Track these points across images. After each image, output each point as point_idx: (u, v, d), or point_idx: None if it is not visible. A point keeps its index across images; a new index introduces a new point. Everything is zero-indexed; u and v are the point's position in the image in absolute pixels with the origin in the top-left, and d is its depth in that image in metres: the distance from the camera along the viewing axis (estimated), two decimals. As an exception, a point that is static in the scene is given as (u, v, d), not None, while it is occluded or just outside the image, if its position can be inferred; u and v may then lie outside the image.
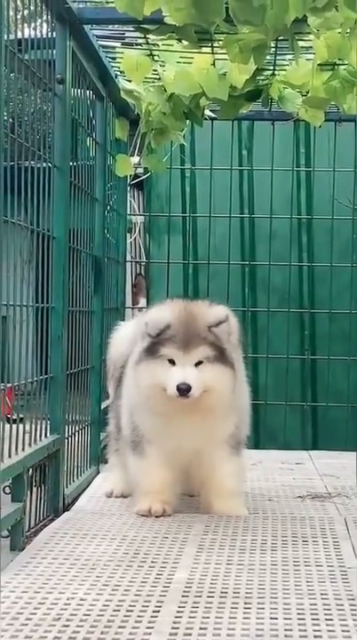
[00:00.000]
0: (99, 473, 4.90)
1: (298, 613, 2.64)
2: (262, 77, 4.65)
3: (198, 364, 3.74)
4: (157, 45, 4.38)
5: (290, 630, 2.51)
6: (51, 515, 4.07)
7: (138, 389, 3.86)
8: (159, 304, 4.00)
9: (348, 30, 3.58)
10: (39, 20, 3.98)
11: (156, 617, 2.59)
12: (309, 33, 3.82)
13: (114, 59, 4.86)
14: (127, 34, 4.65)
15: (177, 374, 3.70)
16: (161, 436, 3.86)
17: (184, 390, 3.66)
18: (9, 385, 3.58)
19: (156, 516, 3.80)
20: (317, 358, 7.05)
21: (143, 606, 2.68)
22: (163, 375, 3.73)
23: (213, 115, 5.20)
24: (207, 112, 5.04)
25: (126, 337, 4.29)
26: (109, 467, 4.50)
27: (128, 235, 6.52)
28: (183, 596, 2.78)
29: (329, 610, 2.68)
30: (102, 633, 2.46)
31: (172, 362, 3.74)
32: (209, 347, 3.74)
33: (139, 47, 4.48)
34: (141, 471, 3.90)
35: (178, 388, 3.66)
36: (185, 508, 3.98)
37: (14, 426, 3.64)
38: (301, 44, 3.96)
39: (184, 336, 3.74)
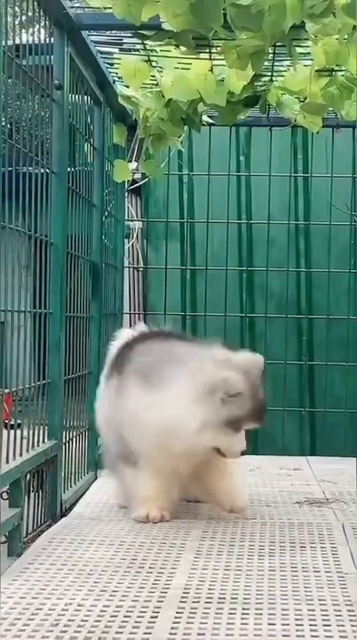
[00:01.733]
0: (96, 478, 4.90)
1: (296, 619, 2.64)
2: (260, 83, 4.66)
3: None
4: (155, 51, 4.39)
5: (288, 636, 2.50)
6: (49, 520, 4.07)
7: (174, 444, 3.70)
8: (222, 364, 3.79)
9: (346, 36, 3.59)
10: (37, 26, 3.98)
11: (154, 622, 2.59)
12: (307, 39, 3.83)
13: (111, 64, 4.86)
14: (125, 39, 4.65)
15: (242, 440, 3.76)
16: (157, 463, 3.85)
17: (243, 453, 3.79)
18: (6, 390, 3.58)
19: (154, 522, 3.79)
20: (315, 364, 7.06)
21: (141, 612, 2.68)
22: (226, 439, 3.72)
23: (211, 120, 5.20)
24: (205, 118, 5.05)
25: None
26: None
27: (126, 240, 6.52)
28: (181, 602, 2.78)
29: (327, 615, 2.68)
30: (100, 639, 2.45)
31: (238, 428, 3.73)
32: None
33: (137, 53, 4.49)
34: (137, 479, 3.88)
35: (242, 452, 3.77)
36: (182, 513, 3.98)
37: (12, 431, 3.64)
38: (299, 50, 3.97)
39: (259, 406, 3.75)
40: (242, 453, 3.79)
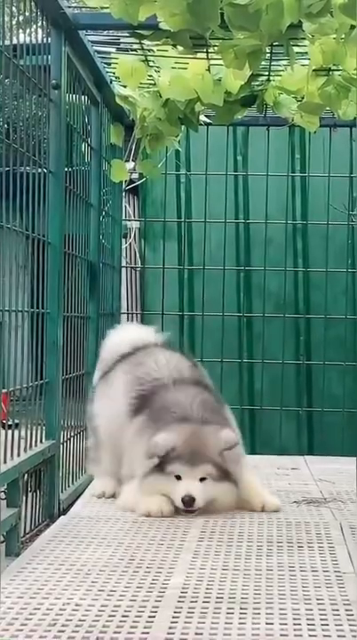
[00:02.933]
0: (94, 478, 4.89)
1: (294, 618, 2.64)
2: (257, 83, 4.66)
3: (202, 479, 3.94)
4: (152, 51, 4.39)
5: (286, 636, 2.50)
6: (47, 520, 4.07)
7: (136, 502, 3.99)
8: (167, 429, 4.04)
9: (343, 36, 3.58)
10: (34, 26, 3.98)
11: (152, 622, 2.58)
12: (304, 38, 3.84)
13: (109, 64, 4.86)
14: (122, 39, 4.65)
15: (182, 487, 3.90)
16: None
17: (188, 503, 3.87)
18: (4, 390, 3.58)
19: (164, 516, 3.88)
20: (312, 364, 7.06)
21: (138, 611, 2.67)
22: (170, 488, 3.92)
23: (208, 120, 5.20)
24: (202, 117, 5.05)
25: (123, 342, 4.40)
26: (95, 475, 4.53)
27: (123, 240, 6.52)
28: (178, 602, 2.77)
29: (325, 615, 2.67)
30: (98, 638, 2.45)
31: (179, 477, 3.93)
32: (213, 466, 3.94)
33: (134, 53, 4.49)
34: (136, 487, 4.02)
35: (183, 500, 3.87)
36: (179, 513, 3.97)
37: (10, 431, 3.64)
38: (296, 49, 3.97)
39: (190, 455, 3.93)
40: (184, 501, 3.87)
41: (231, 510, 4.00)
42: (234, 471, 3.98)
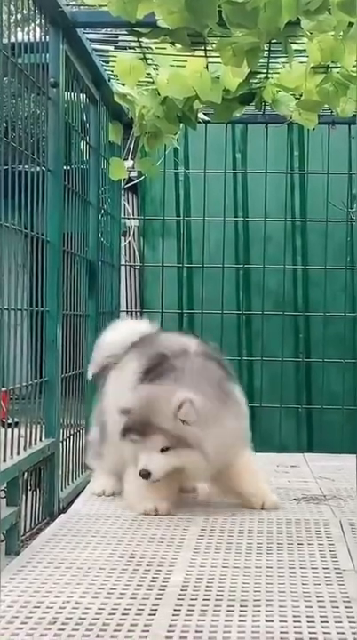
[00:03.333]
0: (93, 473, 4.89)
1: (294, 616, 2.64)
2: (255, 80, 4.66)
3: (164, 449, 3.84)
4: (150, 49, 4.39)
5: (286, 633, 2.50)
6: (47, 518, 4.07)
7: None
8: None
9: (341, 33, 3.58)
10: (32, 24, 3.98)
11: (152, 620, 2.59)
12: (302, 36, 3.84)
13: (107, 62, 4.86)
14: (120, 37, 4.65)
15: (141, 461, 3.85)
16: None
17: (144, 476, 3.84)
18: (4, 389, 3.58)
19: (162, 515, 3.86)
20: (312, 361, 7.06)
21: (139, 609, 2.68)
22: (135, 456, 3.91)
23: (207, 118, 5.20)
24: (200, 115, 5.05)
25: (121, 339, 4.42)
26: (96, 471, 4.53)
27: (122, 238, 6.52)
28: (178, 600, 2.77)
29: (325, 612, 2.67)
30: (98, 636, 2.45)
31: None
32: (166, 437, 3.83)
33: (133, 51, 4.49)
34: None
35: (140, 474, 3.84)
36: (179, 510, 3.98)
37: (9, 430, 3.64)
38: (294, 46, 3.97)
39: (141, 424, 3.88)
40: (141, 475, 3.84)
41: (205, 480, 4.03)
42: (193, 439, 3.82)
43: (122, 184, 6.19)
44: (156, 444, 3.84)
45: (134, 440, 3.89)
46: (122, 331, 4.60)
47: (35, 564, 3.15)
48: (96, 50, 4.74)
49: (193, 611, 2.67)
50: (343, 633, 2.51)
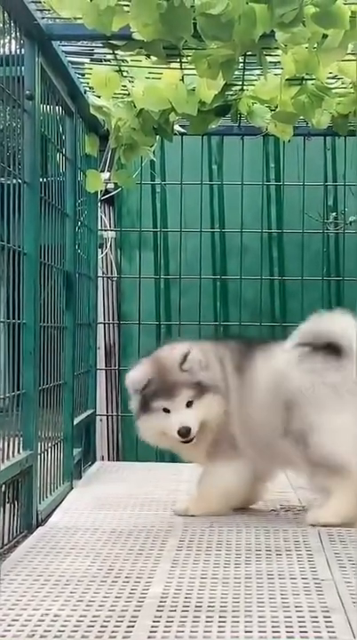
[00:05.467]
0: (72, 489, 4.88)
1: (273, 626, 2.64)
2: (231, 92, 4.67)
3: (189, 404, 4.06)
4: (126, 61, 4.40)
5: (265, 643, 2.51)
6: (25, 531, 4.06)
7: (145, 440, 4.25)
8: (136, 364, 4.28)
9: (315, 45, 3.60)
10: (7, 37, 3.98)
11: (131, 632, 2.59)
12: (277, 48, 3.85)
13: (83, 75, 4.86)
14: (96, 50, 4.66)
15: (174, 420, 4.03)
16: None
17: (184, 434, 4.01)
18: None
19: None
20: (289, 372, 7.05)
21: (117, 621, 2.67)
22: (163, 423, 4.08)
23: (183, 130, 5.21)
24: (176, 127, 5.06)
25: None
26: None
27: (99, 250, 6.52)
28: (157, 611, 2.77)
29: (304, 622, 2.68)
30: (77, 649, 2.45)
31: (167, 410, 4.07)
32: (188, 387, 4.06)
33: (108, 63, 4.50)
34: None
35: (180, 433, 4.00)
36: (157, 523, 3.98)
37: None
38: (269, 59, 3.98)
39: (166, 386, 4.07)
40: (181, 433, 3.99)
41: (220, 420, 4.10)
42: (204, 378, 4.08)
43: (99, 196, 6.20)
44: (182, 399, 4.04)
45: (165, 406, 4.04)
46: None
47: (13, 577, 3.14)
48: (72, 62, 4.74)
49: (172, 622, 2.67)
50: (321, 642, 2.51)
